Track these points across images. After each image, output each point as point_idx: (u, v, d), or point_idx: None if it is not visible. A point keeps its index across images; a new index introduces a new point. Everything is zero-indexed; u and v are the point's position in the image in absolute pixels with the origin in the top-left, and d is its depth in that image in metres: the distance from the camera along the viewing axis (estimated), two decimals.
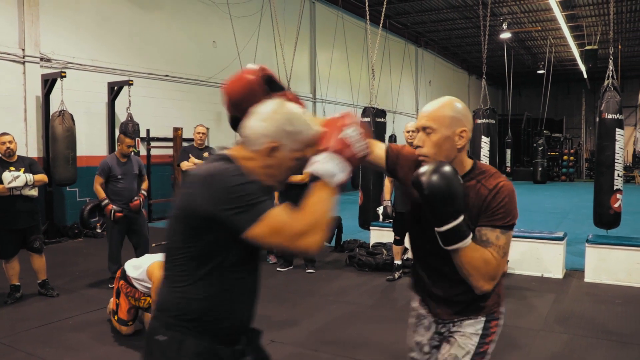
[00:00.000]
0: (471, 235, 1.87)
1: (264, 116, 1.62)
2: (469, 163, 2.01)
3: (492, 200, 1.90)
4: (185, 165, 6.87)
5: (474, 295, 1.98)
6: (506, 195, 1.92)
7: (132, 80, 9.26)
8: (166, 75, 11.11)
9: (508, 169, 23.14)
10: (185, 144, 10.99)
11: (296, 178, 6.24)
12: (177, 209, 1.60)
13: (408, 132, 5.52)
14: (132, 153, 6.12)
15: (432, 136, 1.92)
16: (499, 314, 2.08)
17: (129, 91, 9.12)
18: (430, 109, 1.94)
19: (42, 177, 5.39)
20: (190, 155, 6.90)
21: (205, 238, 1.55)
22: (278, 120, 1.61)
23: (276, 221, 1.48)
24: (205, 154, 6.97)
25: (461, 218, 1.82)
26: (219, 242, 1.56)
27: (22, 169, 5.25)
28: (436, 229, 1.85)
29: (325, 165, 1.59)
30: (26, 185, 5.19)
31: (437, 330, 2.14)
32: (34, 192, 5.34)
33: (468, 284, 1.94)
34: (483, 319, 2.06)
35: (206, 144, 7.26)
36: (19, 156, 5.41)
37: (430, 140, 1.93)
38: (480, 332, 2.05)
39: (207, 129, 7.28)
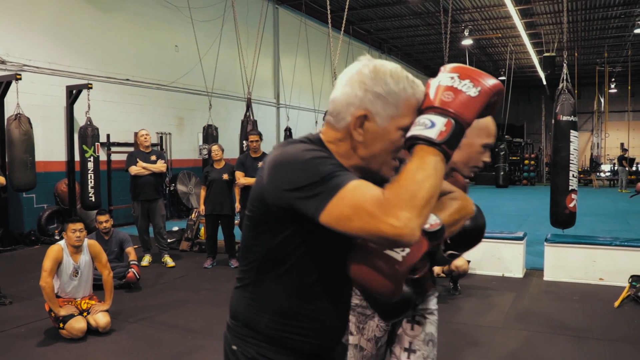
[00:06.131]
0: None
1: (347, 80, 1.29)
2: None
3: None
4: (134, 169, 6.93)
5: (432, 273, 2.14)
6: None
7: (91, 84, 9.07)
8: (127, 80, 10.93)
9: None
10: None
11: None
12: (249, 200, 1.37)
13: None
14: (110, 228, 6.05)
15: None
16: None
17: (88, 95, 8.93)
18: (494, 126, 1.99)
19: None
20: (137, 159, 6.94)
21: (278, 233, 1.29)
22: (363, 82, 1.27)
23: (355, 198, 1.11)
24: (153, 157, 7.03)
25: None
26: (295, 237, 1.29)
27: None
28: (455, 252, 1.88)
29: (420, 120, 1.19)
30: None
31: None
32: None
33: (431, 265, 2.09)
34: (436, 292, 2.23)
35: (164, 148, 7.24)
36: None
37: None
38: (436, 305, 2.21)
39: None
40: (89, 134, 8.90)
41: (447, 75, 1.20)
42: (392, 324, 2.17)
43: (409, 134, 1.19)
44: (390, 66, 1.28)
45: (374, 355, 2.15)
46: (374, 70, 1.27)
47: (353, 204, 1.10)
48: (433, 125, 1.14)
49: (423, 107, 1.20)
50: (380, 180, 1.26)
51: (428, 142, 1.13)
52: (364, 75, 1.26)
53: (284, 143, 1.33)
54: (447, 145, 1.13)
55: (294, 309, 1.36)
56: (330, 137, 1.32)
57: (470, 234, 1.76)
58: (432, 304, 2.19)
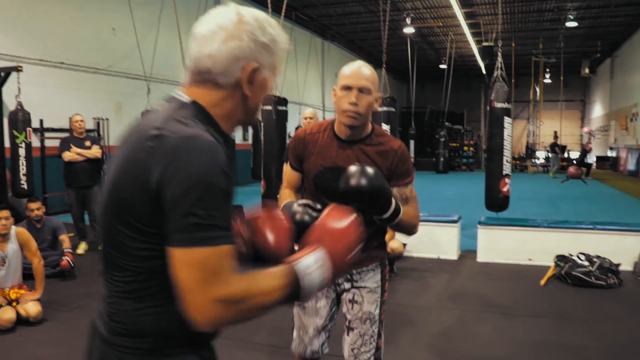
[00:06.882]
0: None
1: (229, 32, 1.16)
2: (370, 126, 2.21)
3: (400, 161, 2.13)
4: (67, 155, 6.82)
5: (372, 245, 2.14)
6: (408, 154, 2.18)
7: (21, 67, 8.67)
8: (61, 63, 10.52)
9: (412, 160, 23.96)
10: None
11: None
12: (117, 190, 1.13)
13: (306, 118, 5.55)
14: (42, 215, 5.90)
15: (367, 97, 2.10)
16: (386, 259, 2.31)
17: (18, 78, 8.54)
18: (367, 73, 2.13)
19: None
20: (71, 145, 6.82)
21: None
22: (251, 32, 1.18)
23: (211, 264, 1.03)
24: (87, 143, 6.93)
25: (394, 201, 1.94)
26: None
27: None
28: (377, 217, 1.96)
29: (316, 270, 1.18)
30: None
31: (338, 289, 2.28)
32: None
33: (369, 235, 2.09)
34: (379, 268, 2.25)
35: (102, 134, 7.06)
36: None
37: (366, 100, 2.10)
38: (380, 282, 2.24)
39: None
40: (20, 119, 8.50)
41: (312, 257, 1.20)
42: (337, 302, 2.29)
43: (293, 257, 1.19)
44: (262, 13, 1.23)
45: (312, 313, 2.28)
46: (256, 19, 1.20)
47: (205, 265, 1.03)
48: (315, 263, 1.19)
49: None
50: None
51: (296, 271, 1.15)
52: (250, 25, 1.18)
53: (180, 127, 1.09)
54: (303, 289, 1.16)
55: None
56: (213, 99, 1.19)
57: (370, 195, 1.84)
58: (371, 282, 2.22)
